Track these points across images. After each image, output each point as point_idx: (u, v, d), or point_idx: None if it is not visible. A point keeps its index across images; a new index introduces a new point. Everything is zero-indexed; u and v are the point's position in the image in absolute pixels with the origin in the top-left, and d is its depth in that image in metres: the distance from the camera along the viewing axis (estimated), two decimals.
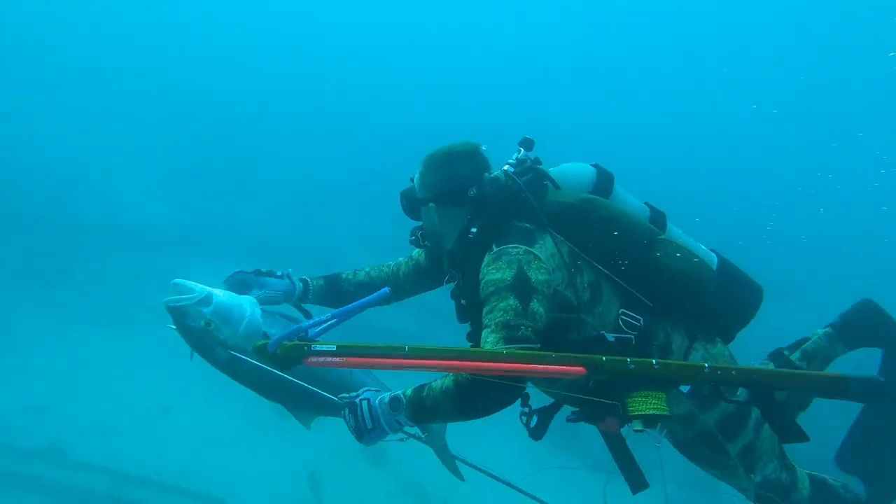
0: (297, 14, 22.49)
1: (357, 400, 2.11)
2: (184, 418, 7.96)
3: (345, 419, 2.14)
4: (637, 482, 2.26)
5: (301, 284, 2.72)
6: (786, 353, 2.69)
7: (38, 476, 6.33)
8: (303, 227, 12.84)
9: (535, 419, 2.23)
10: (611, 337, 2.07)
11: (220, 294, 2.52)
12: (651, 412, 1.81)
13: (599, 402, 1.92)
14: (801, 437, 1.95)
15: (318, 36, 22.09)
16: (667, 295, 2.20)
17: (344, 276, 2.77)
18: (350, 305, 2.01)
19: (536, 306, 1.97)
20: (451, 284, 2.43)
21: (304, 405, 2.63)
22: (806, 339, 2.73)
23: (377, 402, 2.08)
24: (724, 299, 2.30)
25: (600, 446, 2.36)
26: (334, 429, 7.86)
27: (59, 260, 10.51)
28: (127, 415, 7.58)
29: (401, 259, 2.81)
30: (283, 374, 2.31)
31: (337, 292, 2.74)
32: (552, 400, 2.32)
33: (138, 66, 17.32)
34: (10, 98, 13.63)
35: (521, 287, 1.99)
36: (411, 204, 2.37)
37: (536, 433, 2.24)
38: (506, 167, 2.34)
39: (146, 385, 8.07)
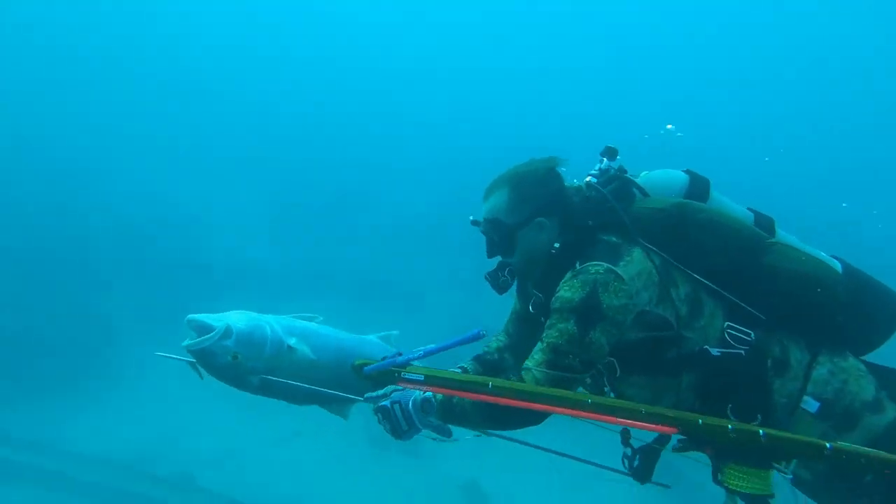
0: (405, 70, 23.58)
1: (389, 404, 2.06)
2: (288, 450, 8.41)
3: (378, 422, 2.11)
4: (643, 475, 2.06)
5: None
6: None
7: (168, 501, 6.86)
8: (396, 267, 13.29)
9: (637, 459, 2.05)
10: (716, 352, 1.89)
11: (237, 320, 2.46)
12: (752, 492, 1.60)
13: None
14: None
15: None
16: (783, 304, 1.94)
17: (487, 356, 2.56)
18: (443, 343, 2.00)
19: (598, 336, 1.82)
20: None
21: (332, 401, 2.61)
22: None
23: (409, 404, 2.04)
24: (855, 307, 1.98)
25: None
26: (435, 463, 7.96)
27: (178, 299, 11.45)
28: (247, 443, 8.11)
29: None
30: (312, 386, 2.39)
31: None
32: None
33: (249, 120, 18.77)
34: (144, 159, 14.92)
35: (587, 312, 1.84)
36: (503, 234, 2.13)
37: (642, 475, 2.04)
38: (588, 178, 2.18)
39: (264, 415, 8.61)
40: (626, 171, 2.18)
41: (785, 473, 1.84)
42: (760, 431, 1.54)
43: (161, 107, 17.89)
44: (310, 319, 2.78)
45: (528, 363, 1.90)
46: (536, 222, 2.10)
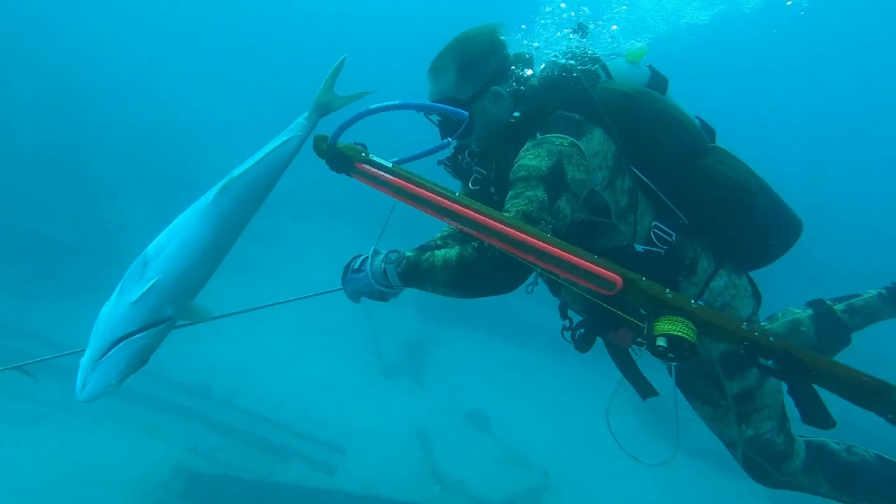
0: None
1: (360, 257, 2.04)
2: (302, 369, 8.55)
3: (344, 279, 2.05)
4: (646, 390, 2.17)
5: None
6: (828, 302, 2.49)
7: (189, 407, 6.97)
8: None
9: (580, 331, 2.10)
10: (640, 248, 1.95)
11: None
12: (679, 334, 1.64)
13: (618, 314, 1.78)
14: (827, 422, 1.72)
15: None
16: (710, 207, 2.03)
17: (431, 244, 2.46)
18: (434, 104, 1.99)
19: (564, 205, 1.82)
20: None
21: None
22: (856, 295, 2.52)
23: (374, 251, 2.00)
24: (765, 221, 2.08)
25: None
26: (440, 393, 8.29)
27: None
28: (257, 361, 8.21)
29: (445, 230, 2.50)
30: None
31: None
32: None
33: None
34: None
35: (555, 181, 1.82)
36: (452, 108, 2.01)
37: (583, 346, 2.11)
38: (554, 55, 2.12)
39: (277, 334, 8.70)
40: (593, 52, 2.15)
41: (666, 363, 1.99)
42: (693, 301, 1.69)
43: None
44: None
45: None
46: (492, 91, 2.05)
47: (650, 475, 7.67)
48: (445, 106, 2.00)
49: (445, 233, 2.43)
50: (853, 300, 2.50)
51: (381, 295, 2.03)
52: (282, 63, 17.27)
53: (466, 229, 1.75)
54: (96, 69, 12.73)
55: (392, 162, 1.92)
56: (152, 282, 1.88)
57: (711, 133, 2.22)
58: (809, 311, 2.45)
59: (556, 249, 1.67)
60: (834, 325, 2.42)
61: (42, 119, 10.16)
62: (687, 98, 2.22)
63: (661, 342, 1.64)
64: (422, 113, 2.10)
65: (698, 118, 2.23)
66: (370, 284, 1.98)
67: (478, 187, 2.11)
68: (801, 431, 2.24)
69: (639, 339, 2.07)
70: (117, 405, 6.39)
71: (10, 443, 5.80)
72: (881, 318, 2.52)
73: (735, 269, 2.14)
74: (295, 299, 2.51)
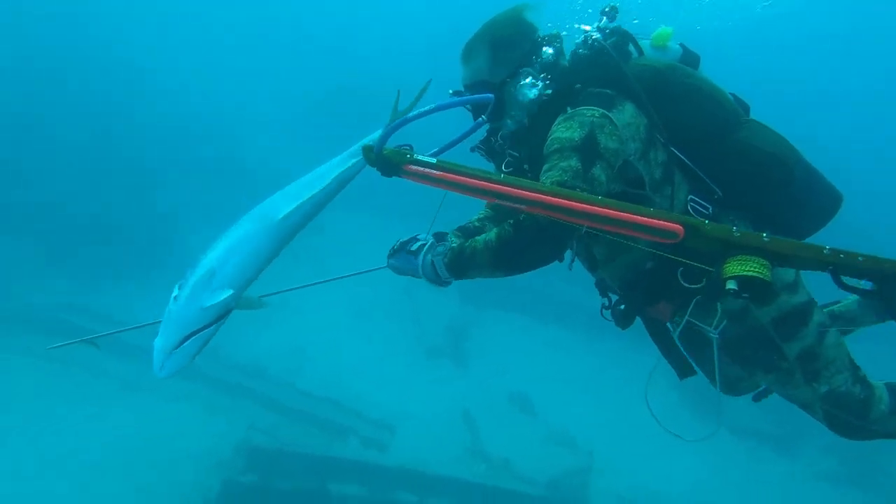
0: None
1: (413, 241, 2.09)
2: (349, 351, 8.83)
3: (391, 257, 2.12)
4: (684, 369, 2.18)
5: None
6: None
7: (246, 387, 7.28)
8: None
9: (621, 307, 2.11)
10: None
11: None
12: (752, 274, 1.60)
13: (690, 264, 1.76)
14: None
15: None
16: (745, 181, 2.00)
17: (469, 225, 2.50)
18: (460, 98, 2.06)
19: (598, 172, 1.82)
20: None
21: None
22: (835, 302, 2.48)
23: (423, 240, 2.06)
24: (803, 193, 2.05)
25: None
26: (482, 375, 8.40)
27: (223, 197, 11.65)
28: (308, 344, 8.52)
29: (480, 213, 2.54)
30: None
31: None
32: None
33: None
34: None
35: (588, 150, 1.83)
36: (491, 93, 2.07)
37: (624, 322, 2.13)
38: (585, 34, 2.14)
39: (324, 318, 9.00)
40: (625, 30, 2.16)
41: (713, 334, 2.02)
42: (764, 235, 1.64)
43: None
44: None
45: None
46: (523, 73, 2.07)
47: (697, 455, 7.70)
48: (472, 97, 2.07)
49: (482, 214, 2.47)
50: (833, 307, 2.47)
51: (429, 283, 2.10)
52: (321, 57, 17.47)
53: (519, 206, 1.79)
54: (146, 65, 13.16)
55: (435, 157, 1.99)
56: (225, 295, 2.07)
57: (746, 108, 2.20)
58: None
59: (612, 210, 1.68)
60: None
61: (98, 113, 10.61)
62: (717, 75, 2.22)
63: (731, 285, 1.62)
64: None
65: (732, 94, 2.21)
66: (416, 273, 2.07)
67: (511, 169, 2.14)
68: (882, 377, 2.26)
69: (676, 318, 2.09)
70: (183, 385, 6.77)
71: (96, 416, 6.21)
72: (861, 325, 2.48)
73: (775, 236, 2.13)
74: (339, 277, 2.62)
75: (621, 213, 1.68)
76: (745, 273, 1.61)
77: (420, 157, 1.96)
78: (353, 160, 2.31)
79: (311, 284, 2.62)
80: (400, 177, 2.06)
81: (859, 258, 1.60)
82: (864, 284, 1.67)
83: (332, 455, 6.35)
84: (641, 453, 7.57)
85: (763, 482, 7.78)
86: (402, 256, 2.09)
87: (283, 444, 6.32)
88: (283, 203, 2.23)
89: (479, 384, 8.86)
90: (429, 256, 2.03)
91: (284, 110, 15.11)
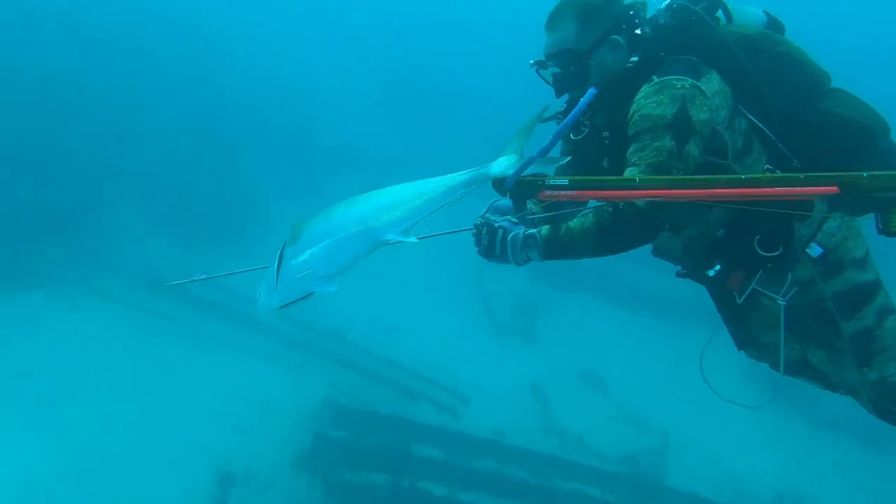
0: None
1: (496, 226, 2.03)
2: (422, 322, 9.01)
3: (477, 235, 2.06)
4: (744, 339, 2.18)
5: None
6: None
7: (326, 348, 7.56)
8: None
9: (717, 268, 2.04)
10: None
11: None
12: None
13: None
14: None
15: None
16: (828, 149, 1.94)
17: None
18: (568, 115, 1.95)
19: (692, 148, 1.80)
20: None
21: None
22: None
23: (512, 235, 1.98)
24: (886, 166, 1.93)
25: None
26: (552, 353, 8.40)
27: (307, 176, 11.99)
28: (384, 314, 8.77)
29: None
30: None
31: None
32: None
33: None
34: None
35: (681, 127, 1.80)
36: (577, 64, 2.04)
37: (720, 281, 2.06)
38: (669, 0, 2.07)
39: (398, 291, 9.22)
40: None
41: (781, 301, 2.01)
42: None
43: None
44: None
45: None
46: (610, 41, 2.02)
47: (771, 441, 7.55)
48: (576, 110, 1.98)
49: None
50: None
51: (507, 262, 2.05)
52: (399, 41, 17.67)
53: (660, 199, 1.78)
54: (234, 45, 13.66)
55: (569, 178, 1.93)
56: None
57: (829, 78, 2.14)
58: None
59: (759, 189, 1.68)
60: None
61: (193, 96, 11.12)
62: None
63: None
64: (535, 70, 2.13)
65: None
66: (511, 264, 2.03)
67: (580, 137, 2.14)
68: None
69: (741, 286, 2.07)
70: (272, 346, 7.10)
71: (199, 371, 6.65)
72: None
73: (848, 211, 2.04)
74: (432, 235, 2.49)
75: (774, 189, 1.66)
76: None
77: (553, 182, 1.93)
78: (465, 183, 2.13)
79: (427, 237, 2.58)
80: (533, 202, 2.08)
81: None
82: None
83: (412, 418, 6.53)
84: (718, 438, 7.48)
85: (846, 473, 7.54)
86: (487, 239, 2.03)
87: (364, 405, 6.56)
88: (392, 215, 2.13)
89: (549, 362, 8.90)
90: (520, 253, 1.97)
91: (360, 91, 15.53)
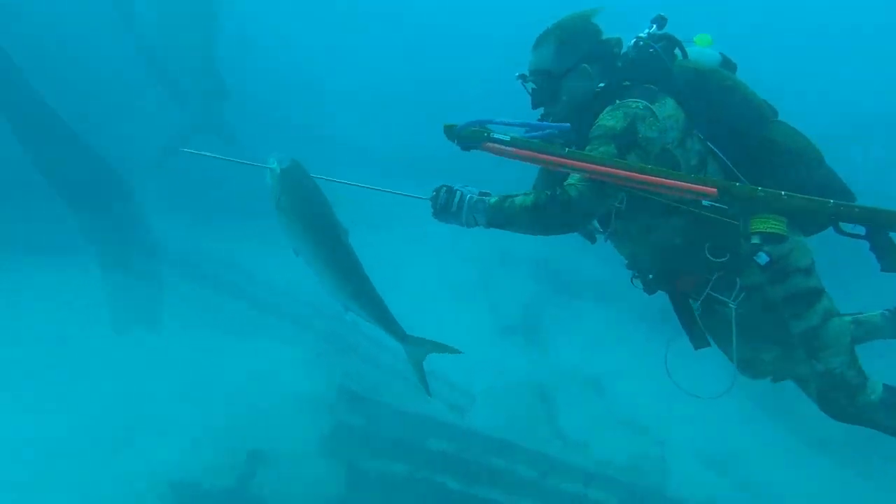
0: None
1: (455, 188, 2.28)
2: (428, 318, 9.06)
3: (435, 195, 2.29)
4: (699, 340, 2.46)
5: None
6: None
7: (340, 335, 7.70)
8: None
9: (650, 276, 2.46)
10: (706, 203, 2.10)
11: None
12: (772, 230, 1.94)
13: (720, 218, 2.08)
14: None
15: None
16: (768, 173, 2.25)
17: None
18: (540, 123, 2.29)
19: (633, 160, 2.07)
20: None
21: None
22: (859, 313, 2.71)
23: (469, 196, 2.24)
24: (818, 192, 2.15)
25: None
26: (555, 357, 8.47)
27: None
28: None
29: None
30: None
31: None
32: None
33: None
34: None
35: (627, 139, 2.09)
36: (549, 83, 2.36)
37: (651, 290, 2.50)
38: (636, 38, 2.40)
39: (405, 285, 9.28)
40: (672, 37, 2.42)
41: (732, 304, 2.32)
42: (783, 193, 1.96)
43: None
44: None
45: (570, 180, 2.15)
46: (581, 68, 2.34)
47: (767, 458, 7.72)
48: (550, 127, 2.29)
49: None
50: (858, 315, 2.68)
51: (460, 221, 2.29)
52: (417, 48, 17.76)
53: (574, 172, 2.10)
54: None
55: (511, 136, 2.23)
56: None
57: (774, 111, 2.42)
58: None
59: (654, 178, 1.99)
60: None
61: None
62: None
63: (755, 239, 1.97)
64: (519, 82, 2.46)
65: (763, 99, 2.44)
66: (462, 223, 2.26)
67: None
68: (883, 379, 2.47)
69: (697, 292, 2.38)
70: (291, 330, 7.15)
71: (220, 352, 6.71)
72: (880, 336, 2.73)
73: (792, 228, 2.26)
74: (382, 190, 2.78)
75: (666, 180, 1.99)
76: (766, 230, 1.95)
77: (497, 136, 2.21)
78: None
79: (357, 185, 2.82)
80: (478, 150, 2.30)
81: (856, 209, 1.93)
82: (859, 230, 1.97)
83: (423, 412, 6.58)
84: (717, 449, 7.66)
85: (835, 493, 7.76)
86: (445, 197, 2.28)
87: (377, 394, 6.61)
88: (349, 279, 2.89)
89: (552, 365, 9.01)
90: (470, 212, 2.23)
91: (373, 92, 15.62)
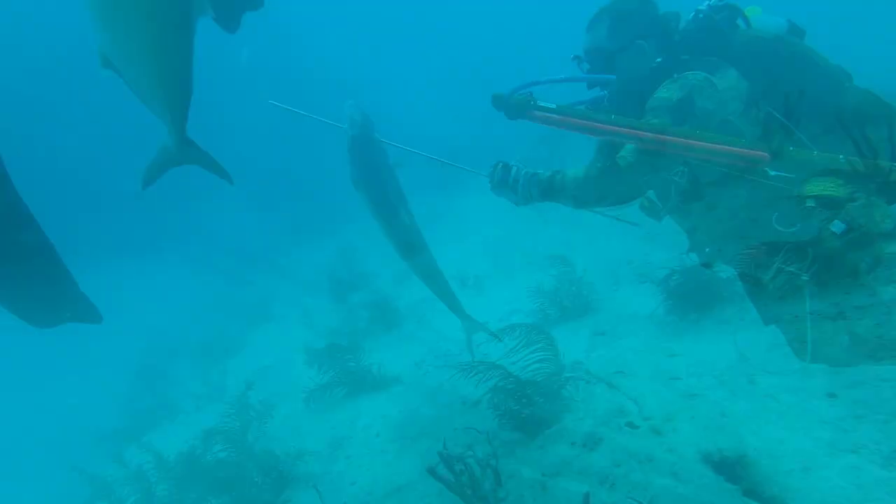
0: None
1: (511, 164, 2.41)
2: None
3: (493, 171, 2.44)
4: (769, 316, 2.33)
5: None
6: None
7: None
8: None
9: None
10: (772, 172, 2.06)
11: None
12: (828, 193, 1.83)
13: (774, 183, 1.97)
14: None
15: None
16: (849, 140, 2.06)
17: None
18: (585, 75, 2.30)
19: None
20: None
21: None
22: None
23: (524, 173, 2.39)
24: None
25: None
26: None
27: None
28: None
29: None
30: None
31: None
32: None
33: None
34: None
35: (681, 110, 2.04)
36: (604, 60, 2.34)
37: (709, 264, 2.38)
38: (696, 10, 2.38)
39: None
40: (734, 3, 2.34)
41: (804, 276, 2.15)
42: (841, 156, 1.87)
43: None
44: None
45: (623, 152, 2.11)
46: (636, 45, 2.34)
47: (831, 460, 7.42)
48: (594, 76, 2.35)
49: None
50: None
51: (516, 194, 2.44)
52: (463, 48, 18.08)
53: (619, 138, 2.09)
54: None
55: (557, 105, 2.30)
56: None
57: (848, 76, 2.36)
58: None
59: (703, 143, 1.93)
60: None
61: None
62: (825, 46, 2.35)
63: (810, 202, 1.90)
64: (576, 63, 2.47)
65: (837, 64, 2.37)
66: (517, 197, 2.38)
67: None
68: None
69: (766, 263, 2.26)
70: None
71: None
72: None
73: (875, 192, 2.16)
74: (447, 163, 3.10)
75: (717, 146, 1.94)
76: (822, 193, 1.88)
77: (543, 104, 2.29)
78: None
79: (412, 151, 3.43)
80: (525, 119, 2.37)
81: None
82: None
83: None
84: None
85: None
86: (502, 172, 2.45)
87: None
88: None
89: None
90: (526, 187, 2.36)
91: (421, 84, 16.16)
